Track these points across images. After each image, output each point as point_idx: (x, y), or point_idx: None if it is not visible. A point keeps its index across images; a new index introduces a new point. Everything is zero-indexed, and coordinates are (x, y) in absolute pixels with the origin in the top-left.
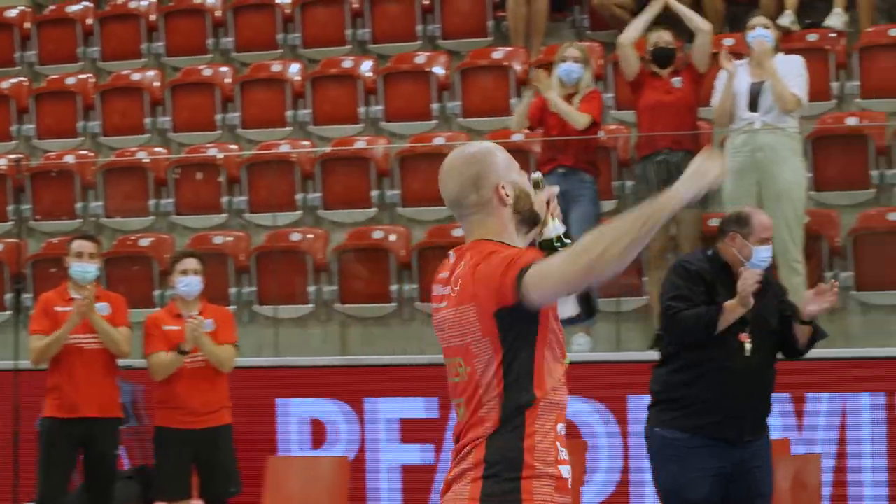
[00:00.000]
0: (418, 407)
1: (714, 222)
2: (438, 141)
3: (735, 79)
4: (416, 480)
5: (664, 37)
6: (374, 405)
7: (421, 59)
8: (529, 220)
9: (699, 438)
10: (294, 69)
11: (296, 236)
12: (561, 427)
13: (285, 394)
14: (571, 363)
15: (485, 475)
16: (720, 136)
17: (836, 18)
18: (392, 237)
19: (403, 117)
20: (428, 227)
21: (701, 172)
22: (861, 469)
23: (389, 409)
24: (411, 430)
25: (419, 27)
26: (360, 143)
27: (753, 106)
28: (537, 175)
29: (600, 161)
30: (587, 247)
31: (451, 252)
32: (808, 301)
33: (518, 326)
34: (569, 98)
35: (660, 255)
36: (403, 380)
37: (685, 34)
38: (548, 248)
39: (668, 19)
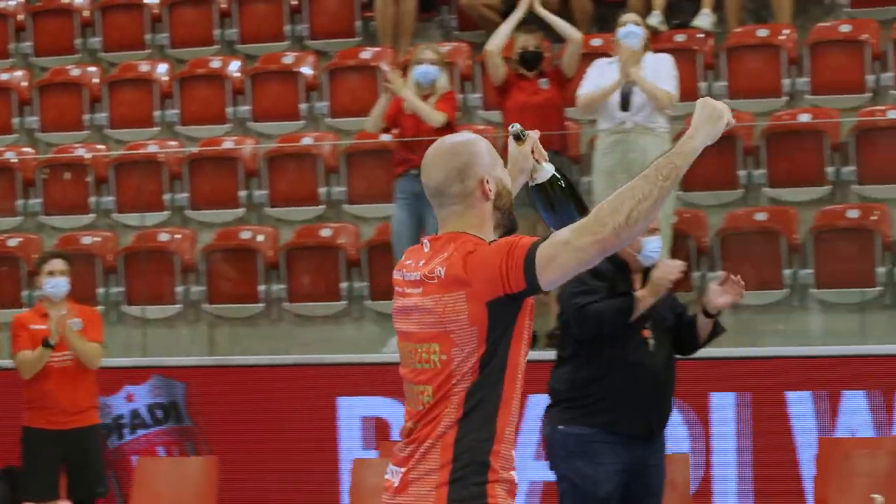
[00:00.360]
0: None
1: None
2: (306, 141)
3: (602, 78)
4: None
5: (531, 40)
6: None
7: (289, 59)
8: (507, 220)
9: (607, 434)
10: (162, 69)
11: (164, 236)
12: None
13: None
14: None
15: (451, 479)
16: (588, 136)
17: (704, 19)
18: (260, 237)
19: (271, 117)
20: (296, 228)
21: (714, 117)
22: (726, 469)
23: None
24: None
25: (287, 27)
26: (228, 144)
27: (625, 106)
28: (517, 127)
29: None
30: (604, 216)
31: (424, 240)
32: (717, 294)
33: (506, 320)
34: (424, 99)
35: None
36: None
37: (552, 36)
38: (545, 190)
39: (535, 21)
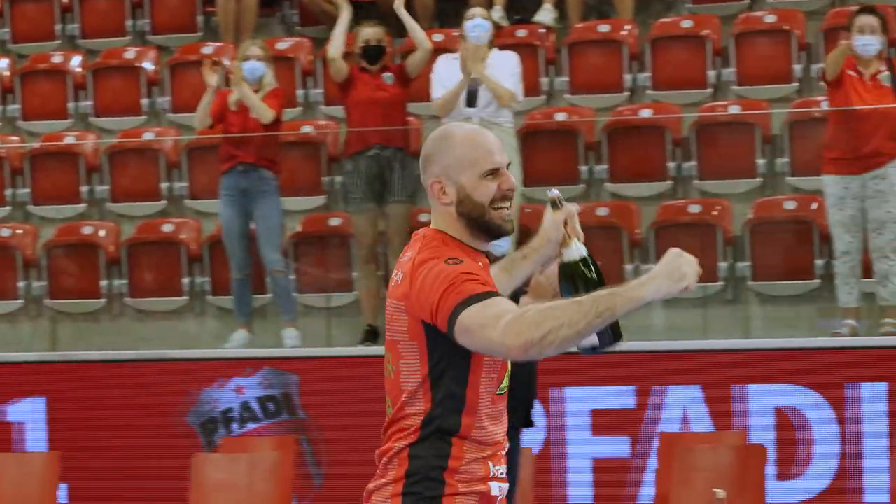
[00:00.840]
0: (610, 397)
1: (424, 217)
2: (148, 136)
3: (443, 75)
4: (609, 475)
5: (374, 34)
6: (564, 395)
7: (130, 54)
8: (481, 228)
9: None
10: (2, 64)
11: (5, 232)
12: (496, 462)
13: None
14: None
15: (404, 492)
16: (430, 131)
17: (546, 14)
18: (101, 232)
19: (113, 112)
20: (137, 223)
21: (675, 277)
22: (567, 463)
23: (581, 400)
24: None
25: (129, 22)
26: (70, 139)
27: (471, 102)
28: (555, 193)
29: (300, 156)
30: (523, 326)
31: (414, 234)
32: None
33: (450, 344)
34: None
35: (370, 251)
36: (598, 369)
37: (395, 30)
38: (569, 272)
39: (378, 15)
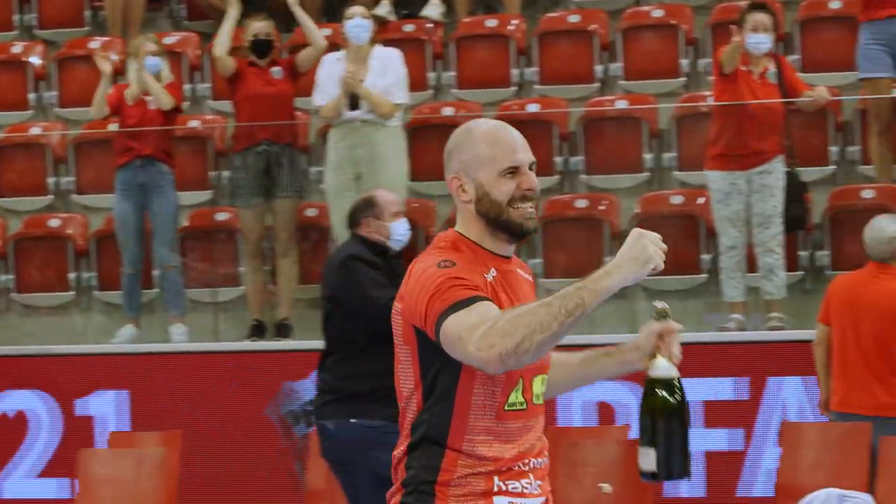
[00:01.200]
0: (726, 388)
1: (311, 212)
2: (35, 131)
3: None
4: (720, 467)
5: (263, 28)
6: None
7: (17, 48)
8: (500, 228)
9: (396, 424)
10: None
11: None
12: (507, 477)
13: None
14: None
15: (402, 502)
16: (317, 126)
17: (433, 9)
18: None
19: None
20: (24, 218)
21: (640, 260)
22: None
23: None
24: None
25: (16, 16)
26: None
27: (354, 105)
28: (663, 305)
29: (188, 151)
30: (496, 337)
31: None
32: None
33: (439, 349)
34: (149, 93)
35: (256, 246)
36: (711, 358)
37: (283, 24)
38: (648, 389)
39: (267, 9)
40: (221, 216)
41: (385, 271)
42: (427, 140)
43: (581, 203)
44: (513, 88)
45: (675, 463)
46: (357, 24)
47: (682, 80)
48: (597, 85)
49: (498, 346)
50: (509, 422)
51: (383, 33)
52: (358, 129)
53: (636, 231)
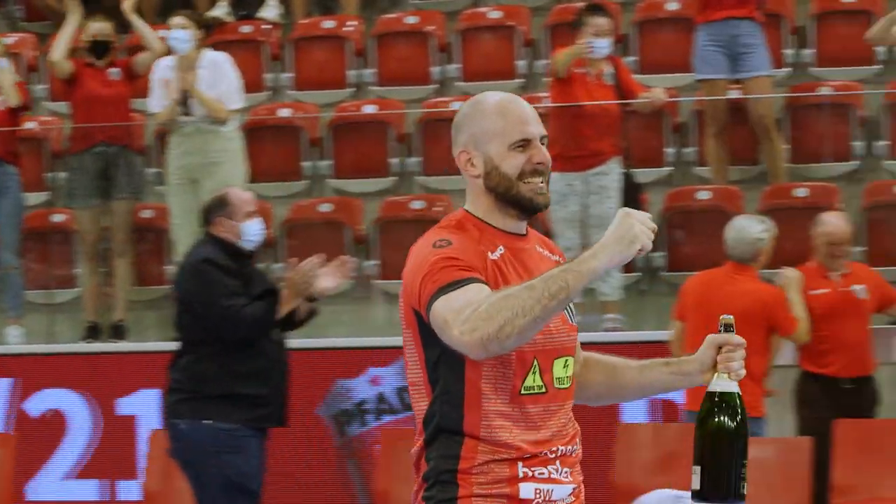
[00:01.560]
0: None
1: (147, 214)
2: None
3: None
4: None
5: (102, 29)
6: None
7: None
8: (510, 203)
9: (251, 429)
10: None
11: None
12: (532, 463)
13: None
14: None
15: (424, 496)
16: (153, 129)
17: (271, 10)
18: None
19: None
20: None
21: (626, 240)
22: None
23: None
24: None
25: None
26: None
27: (186, 111)
28: (728, 318)
29: (24, 152)
30: (478, 320)
31: None
32: (325, 277)
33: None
34: None
35: (93, 248)
36: None
37: (121, 25)
38: (704, 404)
39: (105, 10)
40: (58, 217)
41: (238, 273)
42: (264, 141)
43: (417, 204)
44: (350, 90)
45: (722, 485)
46: (175, 36)
47: (520, 80)
48: (434, 86)
49: (480, 331)
50: (528, 406)
51: (220, 34)
52: (194, 133)
53: (623, 210)
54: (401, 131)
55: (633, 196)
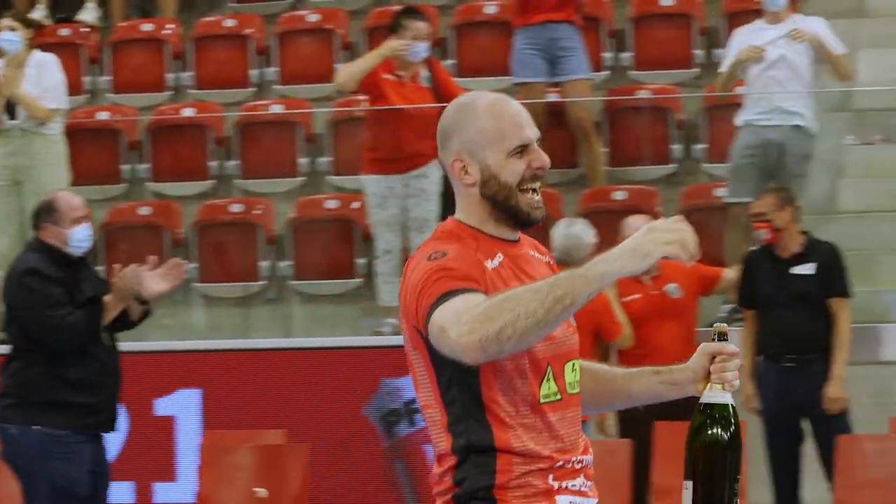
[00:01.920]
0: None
1: None
2: None
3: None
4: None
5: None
6: None
7: None
8: (507, 213)
9: (80, 434)
10: None
11: None
12: (559, 476)
13: None
14: None
15: None
16: None
17: (89, 13)
18: None
19: None
20: None
21: (640, 253)
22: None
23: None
24: None
25: None
26: None
27: (11, 115)
28: (724, 327)
29: None
30: (478, 322)
31: None
32: (155, 280)
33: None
34: None
35: None
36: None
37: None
38: (696, 416)
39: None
40: None
41: (65, 281)
42: (83, 145)
43: (236, 207)
44: (168, 93)
45: (715, 501)
46: (6, 37)
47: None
48: (253, 89)
49: (478, 332)
50: (548, 415)
51: (39, 37)
52: (17, 137)
53: (650, 224)
54: (219, 134)
55: (453, 199)
